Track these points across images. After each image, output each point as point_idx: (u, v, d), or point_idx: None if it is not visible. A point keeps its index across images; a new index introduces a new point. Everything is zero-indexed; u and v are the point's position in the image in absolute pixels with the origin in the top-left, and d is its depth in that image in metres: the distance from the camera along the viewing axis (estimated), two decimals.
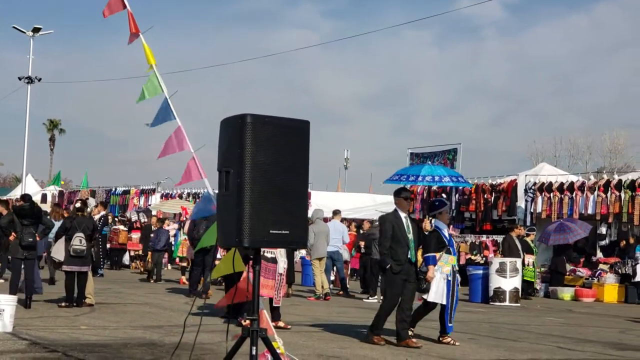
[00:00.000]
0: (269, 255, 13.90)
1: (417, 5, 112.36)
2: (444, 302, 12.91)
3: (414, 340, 12.49)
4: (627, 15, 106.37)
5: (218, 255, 19.11)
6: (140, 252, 31.22)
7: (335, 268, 23.44)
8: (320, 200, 33.09)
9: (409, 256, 12.48)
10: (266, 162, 6.64)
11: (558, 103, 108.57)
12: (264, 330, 6.84)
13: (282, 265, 14.00)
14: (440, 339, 12.94)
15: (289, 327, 13.99)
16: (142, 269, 29.96)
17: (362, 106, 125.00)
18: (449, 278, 12.95)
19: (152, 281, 25.64)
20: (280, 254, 13.97)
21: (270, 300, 14.02)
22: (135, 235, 32.67)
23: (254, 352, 6.66)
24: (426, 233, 12.96)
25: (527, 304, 22.53)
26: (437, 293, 12.85)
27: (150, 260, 26.69)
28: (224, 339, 7.75)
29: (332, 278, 23.90)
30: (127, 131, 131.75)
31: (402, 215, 12.76)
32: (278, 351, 7.44)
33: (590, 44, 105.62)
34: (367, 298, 21.78)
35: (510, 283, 22.28)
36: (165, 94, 9.66)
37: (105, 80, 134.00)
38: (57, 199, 48.10)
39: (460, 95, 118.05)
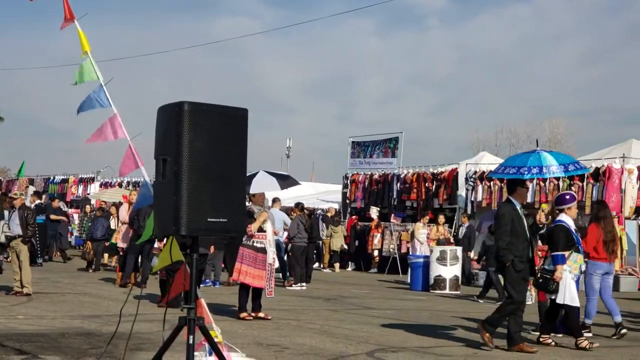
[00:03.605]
0: (258, 245, 13.89)
1: None
2: (577, 305, 12.01)
3: (527, 344, 11.53)
4: (569, 5, 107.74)
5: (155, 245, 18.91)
6: None
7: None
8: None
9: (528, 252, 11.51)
10: (204, 149, 6.58)
11: (500, 92, 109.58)
12: (201, 319, 6.80)
13: (271, 255, 14.01)
14: (578, 342, 11.89)
15: (269, 317, 14.01)
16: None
17: (304, 95, 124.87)
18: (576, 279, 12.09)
19: (90, 271, 25.36)
20: (269, 243, 13.94)
21: (259, 290, 14.04)
22: None
23: (190, 341, 6.61)
24: (539, 225, 12.05)
25: (467, 291, 22.72)
26: (571, 296, 11.88)
27: (90, 249, 26.34)
28: (161, 328, 7.69)
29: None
30: (67, 120, 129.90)
31: (518, 206, 11.65)
32: (216, 340, 7.39)
33: (532, 34, 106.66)
34: (290, 285, 21.85)
35: (450, 271, 22.48)
36: (101, 81, 9.55)
37: (44, 68, 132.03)
38: None
39: (403, 84, 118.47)
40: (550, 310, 12.33)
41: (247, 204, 15.13)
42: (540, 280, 11.93)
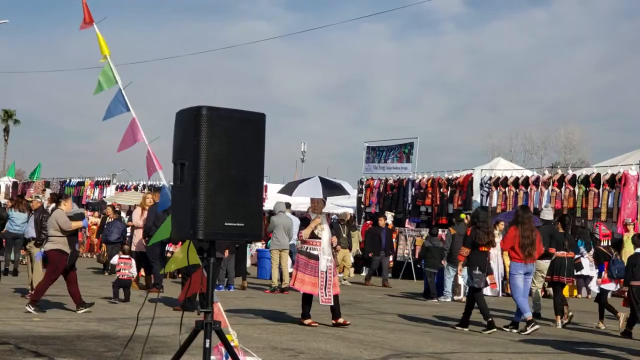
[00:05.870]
0: (312, 251, 13.88)
1: None
2: None
3: None
4: (585, 10, 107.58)
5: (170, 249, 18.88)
6: None
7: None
8: (276, 193, 32.94)
9: None
10: (221, 154, 6.61)
11: (515, 97, 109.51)
12: (217, 323, 6.82)
13: (324, 263, 13.88)
14: None
15: (348, 323, 13.98)
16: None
17: (320, 99, 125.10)
18: None
19: (106, 274, 25.41)
20: (323, 251, 13.90)
21: (309, 297, 14.01)
22: None
23: (207, 345, 6.64)
24: None
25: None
26: None
27: (105, 252, 26.40)
28: (177, 332, 7.71)
29: (291, 270, 23.86)
30: (83, 122, 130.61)
31: None
32: (232, 344, 7.41)
33: (548, 39, 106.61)
34: None
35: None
36: (120, 85, 9.59)
37: (61, 71, 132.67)
38: (11, 190, 47.52)
39: (418, 89, 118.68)
40: None
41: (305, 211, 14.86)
42: None
